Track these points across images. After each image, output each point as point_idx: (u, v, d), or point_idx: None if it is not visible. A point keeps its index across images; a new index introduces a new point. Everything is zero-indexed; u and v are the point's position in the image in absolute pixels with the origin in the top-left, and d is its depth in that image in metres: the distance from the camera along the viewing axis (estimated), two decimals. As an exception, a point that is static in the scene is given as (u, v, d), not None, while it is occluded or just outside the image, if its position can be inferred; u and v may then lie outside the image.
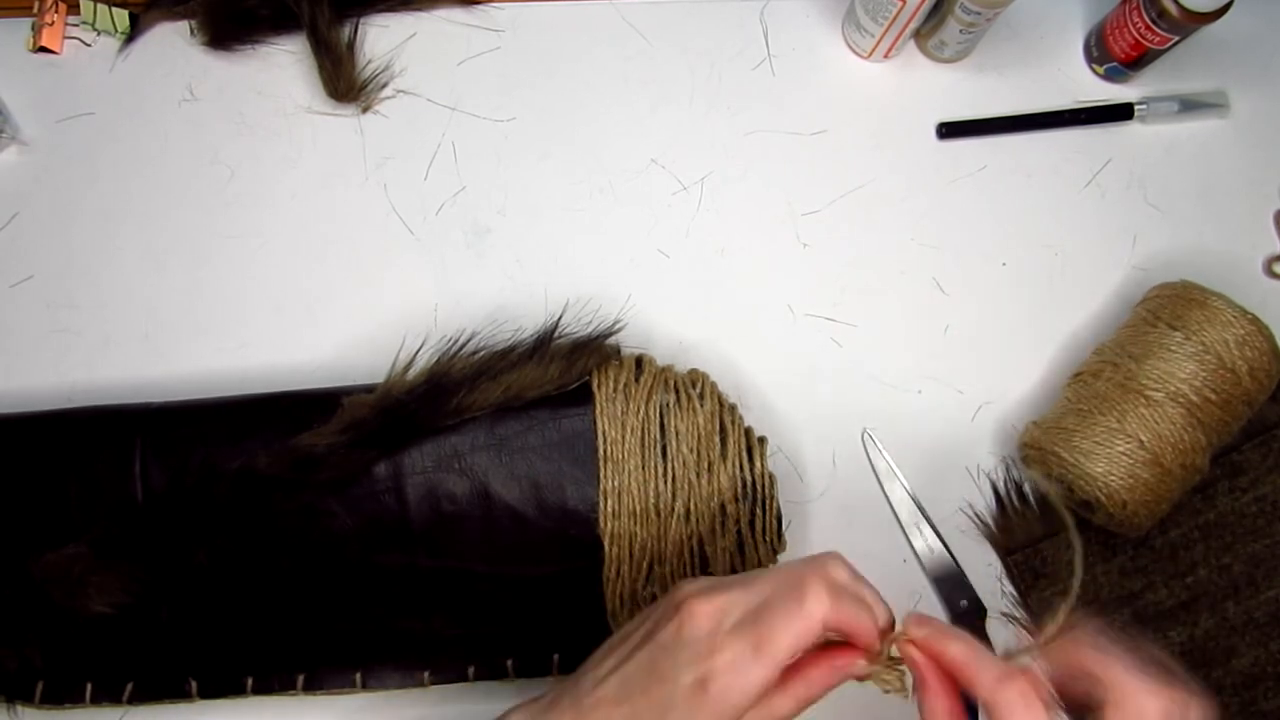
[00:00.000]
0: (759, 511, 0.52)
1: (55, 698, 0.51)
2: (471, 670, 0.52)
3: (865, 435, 0.57)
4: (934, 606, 0.57)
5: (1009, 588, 0.57)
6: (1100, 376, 0.55)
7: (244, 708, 0.52)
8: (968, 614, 0.55)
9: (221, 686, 0.51)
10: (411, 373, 0.52)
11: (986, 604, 0.56)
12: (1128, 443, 0.52)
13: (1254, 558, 0.57)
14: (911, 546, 0.56)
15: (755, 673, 0.37)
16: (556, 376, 0.52)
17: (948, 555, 0.56)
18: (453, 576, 0.51)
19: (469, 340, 0.53)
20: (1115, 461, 0.52)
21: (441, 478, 0.51)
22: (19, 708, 0.51)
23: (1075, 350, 0.60)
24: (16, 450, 0.52)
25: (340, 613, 0.51)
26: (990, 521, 0.58)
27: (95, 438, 0.52)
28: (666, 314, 0.60)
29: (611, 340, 0.54)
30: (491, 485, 0.51)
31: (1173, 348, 0.54)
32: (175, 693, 0.51)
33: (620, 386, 0.52)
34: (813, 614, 0.37)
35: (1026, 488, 0.59)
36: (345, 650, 0.51)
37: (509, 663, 0.52)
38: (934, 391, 0.60)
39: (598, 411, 0.52)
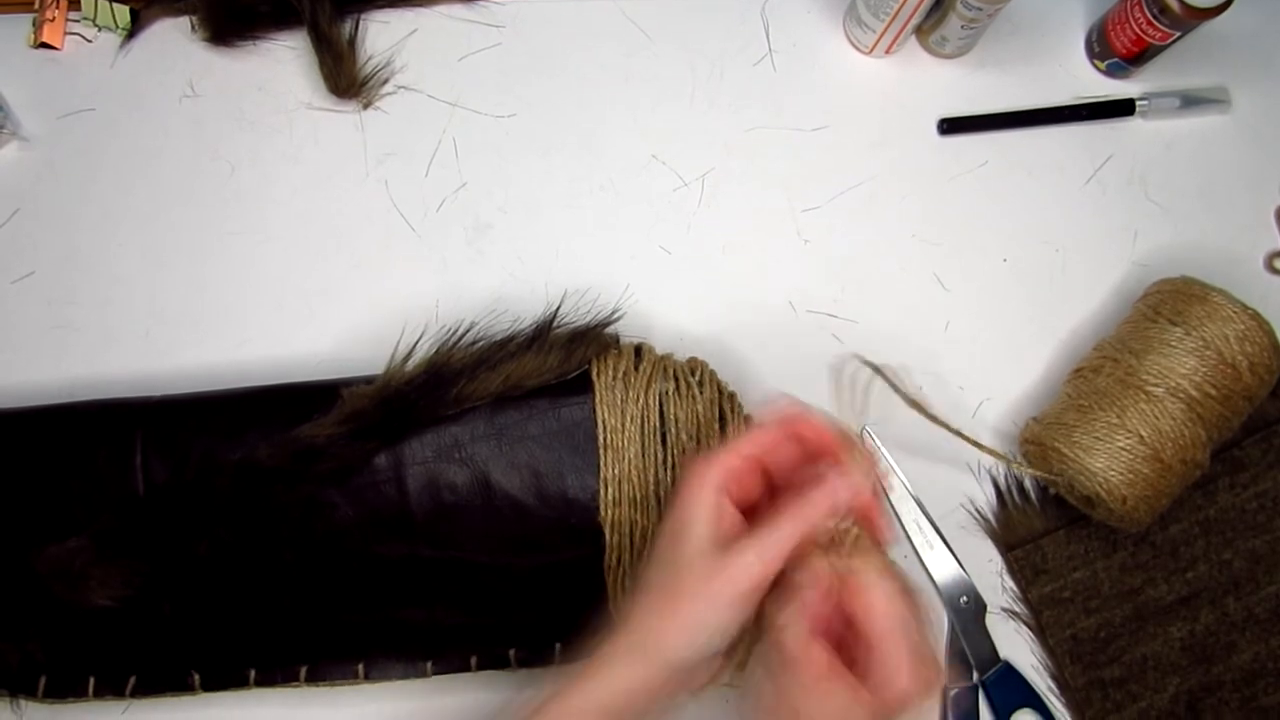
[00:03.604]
0: None
1: (58, 692, 0.51)
2: (474, 660, 0.52)
3: (864, 432, 0.57)
4: (935, 600, 0.57)
5: (1010, 583, 0.57)
6: (1100, 372, 0.55)
7: (247, 700, 0.52)
8: (968, 610, 0.55)
9: (224, 679, 0.51)
10: (411, 363, 0.52)
11: (987, 600, 0.57)
12: (1128, 438, 0.52)
13: (1254, 553, 0.57)
14: (912, 544, 0.56)
15: (706, 470, 0.41)
16: (556, 365, 0.52)
17: (948, 552, 0.56)
18: (454, 566, 0.51)
19: (468, 331, 0.53)
20: (1115, 457, 0.52)
21: (442, 468, 0.51)
22: (22, 702, 0.52)
23: (1076, 346, 0.60)
24: (18, 445, 0.52)
25: (342, 604, 0.51)
26: (991, 517, 0.58)
27: (96, 432, 0.52)
28: (667, 311, 0.60)
29: (610, 330, 0.54)
30: (492, 475, 0.51)
31: (1173, 343, 0.53)
32: (178, 685, 0.51)
33: (620, 375, 0.52)
34: (765, 419, 0.42)
35: (1027, 483, 0.59)
36: (348, 641, 0.51)
37: (511, 652, 0.52)
38: (935, 387, 0.60)
39: (597, 400, 0.52)
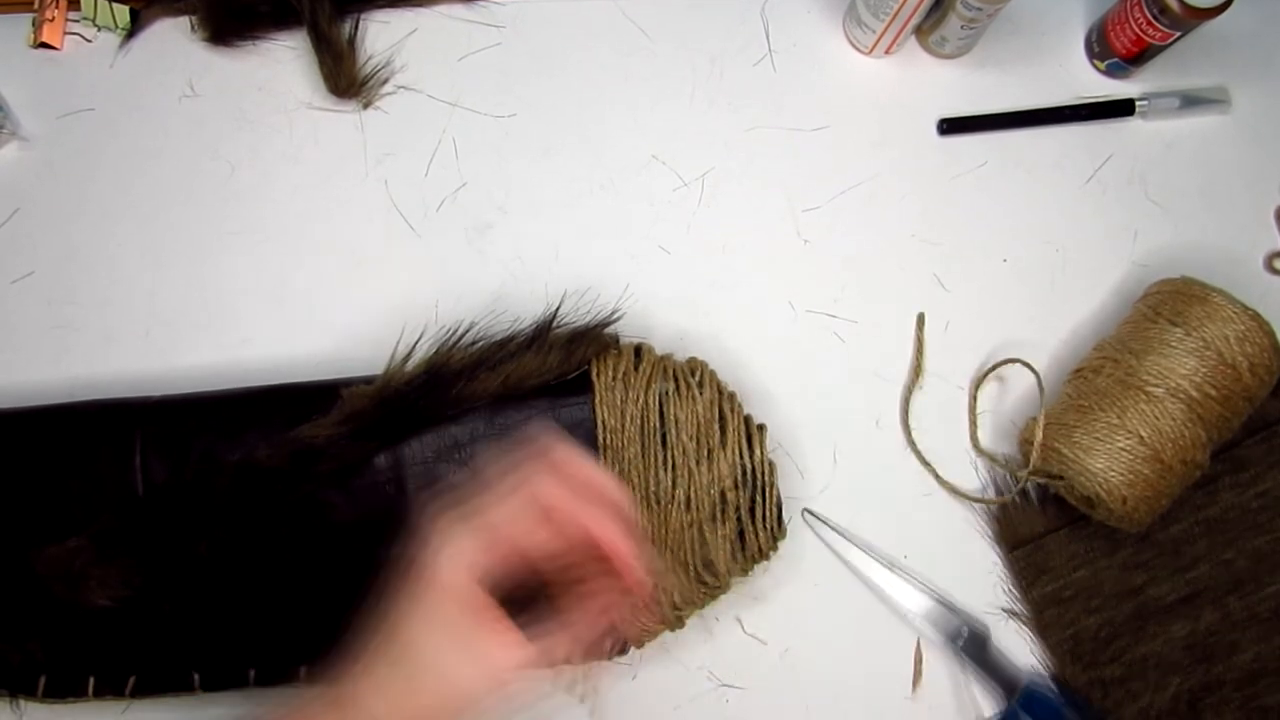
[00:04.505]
0: (759, 499, 0.52)
1: (58, 692, 0.51)
2: (474, 662, 0.52)
3: (804, 515, 0.56)
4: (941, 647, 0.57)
5: (1010, 584, 0.57)
6: (1101, 372, 0.55)
7: (247, 700, 0.52)
8: (971, 643, 0.54)
9: (224, 679, 0.51)
10: (411, 364, 0.52)
11: (988, 598, 0.57)
12: (1128, 439, 0.52)
13: (1256, 553, 0.57)
14: (892, 602, 0.55)
15: (466, 541, 0.38)
16: (555, 366, 0.52)
17: (927, 597, 0.55)
18: (454, 567, 0.51)
19: (468, 331, 0.54)
20: (1115, 457, 0.52)
21: (442, 468, 0.51)
22: (22, 702, 0.52)
23: (1076, 346, 0.60)
24: (17, 445, 0.52)
25: (342, 604, 0.51)
26: (992, 518, 0.58)
27: (96, 432, 0.52)
28: (667, 311, 0.60)
29: (610, 330, 0.54)
30: (492, 475, 0.51)
31: (1173, 343, 0.53)
32: (178, 686, 0.51)
33: (619, 375, 0.52)
34: (524, 474, 0.39)
35: (1028, 484, 0.59)
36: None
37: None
38: (935, 387, 0.60)
39: (597, 400, 0.52)
